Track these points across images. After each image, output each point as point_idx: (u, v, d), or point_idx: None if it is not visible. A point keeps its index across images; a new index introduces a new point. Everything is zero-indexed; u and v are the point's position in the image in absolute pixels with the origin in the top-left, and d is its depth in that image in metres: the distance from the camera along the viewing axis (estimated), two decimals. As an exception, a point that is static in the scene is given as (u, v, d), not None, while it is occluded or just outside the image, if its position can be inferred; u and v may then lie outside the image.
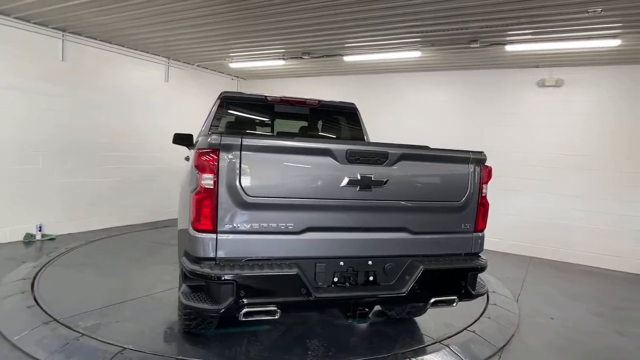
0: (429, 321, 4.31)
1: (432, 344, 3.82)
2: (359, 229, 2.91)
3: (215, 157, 2.58)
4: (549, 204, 7.61)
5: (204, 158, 2.58)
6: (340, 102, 5.24)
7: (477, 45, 6.28)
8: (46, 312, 3.91)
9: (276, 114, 5.08)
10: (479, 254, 3.28)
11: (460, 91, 8.44)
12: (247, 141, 2.61)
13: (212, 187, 2.59)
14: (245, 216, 2.65)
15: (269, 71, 9.77)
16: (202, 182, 2.60)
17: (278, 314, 2.68)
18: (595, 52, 6.40)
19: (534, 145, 7.71)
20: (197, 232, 2.64)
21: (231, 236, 2.66)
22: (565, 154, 7.49)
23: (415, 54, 7.03)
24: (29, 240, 6.67)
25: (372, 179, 2.81)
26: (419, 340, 3.91)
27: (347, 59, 7.70)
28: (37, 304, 4.09)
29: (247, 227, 2.67)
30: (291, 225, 2.74)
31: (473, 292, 3.08)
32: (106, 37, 7.44)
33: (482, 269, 3.13)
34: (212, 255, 2.64)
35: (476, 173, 3.12)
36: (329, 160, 2.75)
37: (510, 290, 5.62)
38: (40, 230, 6.83)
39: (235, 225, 2.65)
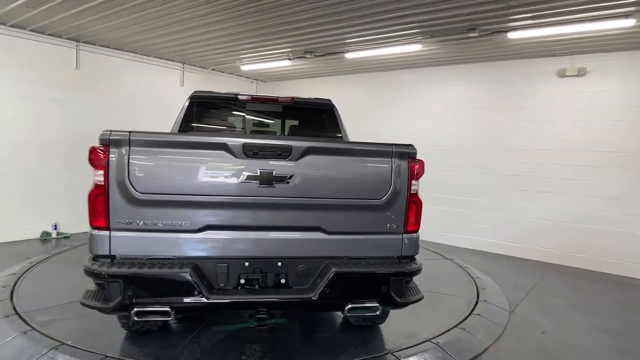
0: (392, 329, 4.00)
1: (381, 355, 3.53)
2: (265, 228, 2.74)
3: (104, 153, 2.54)
4: (576, 206, 6.84)
5: (94, 154, 2.55)
6: (316, 98, 5.04)
7: (476, 35, 5.81)
8: (13, 306, 4.10)
9: (248, 112, 5.00)
10: (414, 257, 2.97)
11: (474, 86, 7.88)
12: (136, 136, 2.55)
13: (102, 183, 2.55)
14: (137, 213, 2.59)
15: (285, 72, 9.77)
16: (94, 178, 2.57)
17: (172, 316, 2.58)
18: (616, 36, 5.67)
19: (559, 141, 6.98)
20: (92, 229, 2.62)
21: (126, 234, 2.61)
22: (594, 150, 6.69)
23: (415, 47, 6.67)
24: (44, 238, 7.14)
25: (274, 174, 2.64)
26: (370, 349, 3.61)
27: (348, 55, 7.49)
28: (11, 298, 4.31)
29: (140, 224, 2.60)
30: (187, 224, 2.64)
31: (398, 300, 2.78)
32: (119, 45, 7.81)
33: (409, 274, 2.82)
34: (106, 252, 2.61)
35: (401, 168, 2.82)
36: (225, 155, 2.61)
37: (509, 299, 5.11)
38: (55, 229, 7.29)
39: (128, 222, 2.59)
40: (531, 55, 7.02)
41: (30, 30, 6.83)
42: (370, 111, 9.21)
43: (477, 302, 4.82)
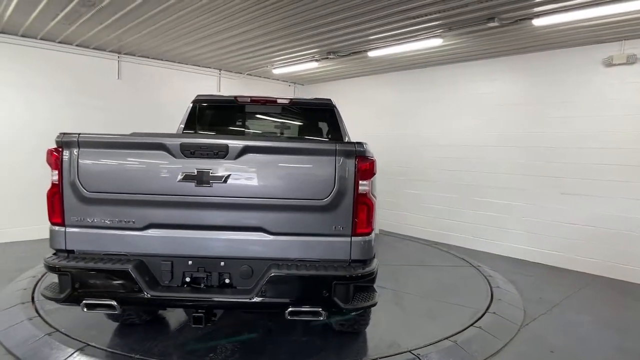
0: (375, 337, 3.82)
1: (351, 363, 3.39)
2: (206, 227, 2.75)
3: (58, 154, 2.72)
4: (627, 211, 6.04)
5: (50, 155, 2.74)
6: (315, 99, 5.02)
7: (497, 24, 5.38)
8: (32, 295, 4.52)
9: (247, 114, 5.08)
10: (367, 261, 2.81)
11: (510, 80, 7.29)
12: (84, 138, 2.70)
13: (57, 182, 2.74)
14: (88, 211, 2.74)
15: (318, 74, 9.78)
16: (52, 177, 2.76)
17: (118, 309, 2.69)
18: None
19: (606, 138, 6.20)
20: (51, 225, 2.81)
21: (79, 230, 2.77)
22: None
23: (436, 42, 6.33)
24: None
25: (210, 173, 2.64)
26: (343, 356, 3.49)
27: (371, 54, 7.31)
28: (34, 288, 4.74)
29: (90, 221, 2.74)
30: (132, 221, 2.73)
31: (342, 306, 2.64)
32: (158, 55, 8.33)
33: (353, 278, 2.66)
34: (63, 247, 2.79)
35: (347, 167, 2.68)
36: (164, 154, 2.67)
37: (526, 312, 4.66)
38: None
39: (81, 219, 2.75)
40: (572, 44, 6.34)
41: (77, 45, 7.52)
42: (401, 111, 8.92)
43: (484, 314, 4.45)
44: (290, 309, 2.63)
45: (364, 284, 2.90)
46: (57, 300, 2.71)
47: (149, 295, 2.63)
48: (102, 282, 2.67)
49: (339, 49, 7.45)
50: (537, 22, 5.24)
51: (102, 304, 2.68)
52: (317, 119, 5.04)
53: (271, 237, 2.74)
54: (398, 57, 7.59)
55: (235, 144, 2.64)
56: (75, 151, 2.70)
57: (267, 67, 9.15)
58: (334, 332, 3.82)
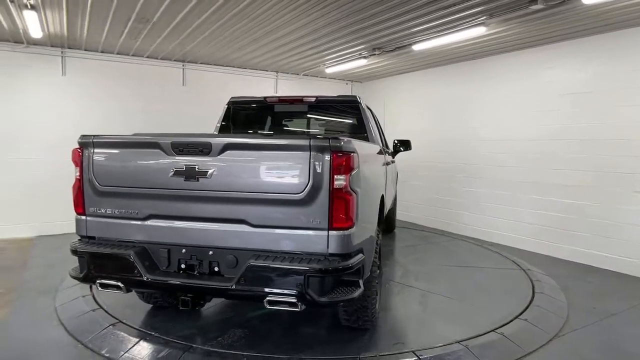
0: (391, 334, 3.80)
1: (346, 358, 3.40)
2: (196, 219, 2.98)
3: (80, 153, 3.15)
4: None
5: (74, 154, 3.19)
6: (339, 96, 5.09)
7: (541, 6, 4.94)
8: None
9: (277, 113, 5.30)
10: (347, 255, 2.83)
11: (572, 67, 6.59)
12: (97, 139, 3.09)
13: (79, 177, 3.17)
14: (102, 202, 3.13)
15: (371, 71, 9.74)
16: (75, 174, 3.21)
17: (124, 290, 3.05)
18: None
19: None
20: (76, 215, 3.26)
21: (97, 219, 3.18)
22: None
23: (480, 30, 5.98)
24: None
25: (197, 169, 2.87)
26: (343, 350, 3.51)
27: (416, 47, 7.11)
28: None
29: (104, 212, 3.14)
30: (136, 212, 3.07)
31: (316, 298, 2.70)
32: (216, 61, 8.96)
33: (326, 271, 2.69)
34: (84, 233, 3.23)
35: (322, 162, 2.72)
36: (159, 152, 2.96)
37: (568, 322, 4.25)
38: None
39: (97, 209, 3.16)
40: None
41: (147, 57, 8.40)
42: (454, 105, 8.54)
43: (512, 320, 4.14)
44: (267, 299, 2.75)
45: (349, 278, 2.93)
46: (78, 279, 3.14)
47: (146, 279, 2.94)
48: (110, 265, 3.05)
49: (383, 45, 7.36)
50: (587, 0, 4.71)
51: (111, 285, 3.05)
52: (342, 116, 5.09)
53: (253, 229, 2.89)
54: (445, 49, 7.29)
55: (217, 141, 2.84)
56: (91, 150, 3.11)
57: (319, 66, 9.32)
58: (342, 327, 3.86)
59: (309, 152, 2.73)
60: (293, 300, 2.72)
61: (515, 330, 3.94)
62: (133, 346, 3.55)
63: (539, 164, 7.01)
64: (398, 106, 10.03)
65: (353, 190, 2.84)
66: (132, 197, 3.07)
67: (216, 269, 2.98)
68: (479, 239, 7.82)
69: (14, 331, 3.84)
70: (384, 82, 10.49)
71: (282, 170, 2.81)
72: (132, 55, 8.28)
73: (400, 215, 9.39)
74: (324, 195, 2.75)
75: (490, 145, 7.80)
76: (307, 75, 10.32)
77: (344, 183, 2.76)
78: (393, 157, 6.78)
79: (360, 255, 2.96)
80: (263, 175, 2.84)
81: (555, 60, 6.75)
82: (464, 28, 6.01)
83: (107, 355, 3.44)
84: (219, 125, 5.31)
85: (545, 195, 6.93)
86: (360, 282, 2.96)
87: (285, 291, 2.73)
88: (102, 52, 8.01)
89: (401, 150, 6.79)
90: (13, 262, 6.04)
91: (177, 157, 2.92)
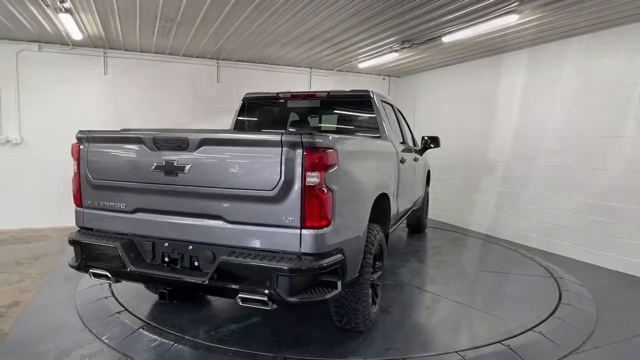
0: (388, 339, 3.64)
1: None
2: (176, 213, 3.01)
3: (77, 147, 3.30)
4: None
5: (73, 148, 3.35)
6: (352, 90, 4.93)
7: (574, -10, 4.49)
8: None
9: (289, 108, 5.26)
10: (321, 255, 2.73)
11: (622, 56, 5.92)
12: (90, 134, 3.22)
13: (77, 171, 3.32)
14: (95, 195, 3.26)
15: (405, 65, 9.41)
16: (74, 168, 3.37)
17: (113, 280, 3.16)
18: None
19: None
20: (75, 206, 3.42)
21: (92, 211, 3.32)
22: None
23: (512, 18, 5.55)
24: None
25: (175, 164, 2.89)
26: (331, 352, 3.41)
27: (445, 39, 6.75)
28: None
29: (97, 204, 3.27)
30: (124, 205, 3.16)
31: (284, 298, 2.62)
32: (251, 58, 9.09)
33: (294, 271, 2.60)
34: (82, 224, 3.38)
35: (294, 158, 2.63)
36: (142, 147, 3.01)
37: (591, 337, 3.85)
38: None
39: (92, 202, 3.29)
40: None
41: (183, 55, 8.70)
42: (494, 99, 8.02)
43: (524, 332, 3.81)
44: (240, 295, 2.72)
45: (327, 279, 2.83)
46: (73, 267, 3.30)
47: (129, 270, 3.02)
48: (100, 256, 3.16)
49: (413, 37, 7.07)
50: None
51: (101, 274, 3.17)
52: (355, 110, 4.96)
53: (229, 226, 2.86)
54: (475, 41, 6.86)
55: (194, 137, 2.85)
56: (86, 145, 3.24)
57: (351, 61, 9.16)
58: (336, 329, 3.75)
59: (280, 148, 2.66)
60: (263, 298, 2.67)
61: (524, 343, 3.62)
62: (131, 334, 3.68)
63: (585, 164, 6.40)
64: (432, 100, 9.65)
65: (329, 188, 2.72)
66: (121, 191, 3.17)
67: (196, 263, 3.00)
68: (515, 242, 7.32)
69: (29, 314, 4.12)
70: (419, 77, 10.13)
71: (254, 166, 2.76)
72: (168, 54, 8.61)
73: (434, 215, 9.04)
74: (296, 193, 2.66)
75: (529, 143, 7.26)
76: (341, 70, 10.18)
77: (317, 180, 2.66)
78: (421, 154, 6.51)
79: (339, 255, 2.85)
80: (237, 171, 2.81)
81: (603, 47, 6.11)
82: (494, 17, 5.61)
83: (106, 341, 3.58)
84: (233, 121, 5.36)
85: (590, 197, 6.32)
86: (339, 283, 2.85)
87: (255, 289, 2.68)
88: (140, 51, 8.40)
89: (431, 147, 6.50)
90: (53, 249, 6.52)
91: (157, 152, 2.97)
